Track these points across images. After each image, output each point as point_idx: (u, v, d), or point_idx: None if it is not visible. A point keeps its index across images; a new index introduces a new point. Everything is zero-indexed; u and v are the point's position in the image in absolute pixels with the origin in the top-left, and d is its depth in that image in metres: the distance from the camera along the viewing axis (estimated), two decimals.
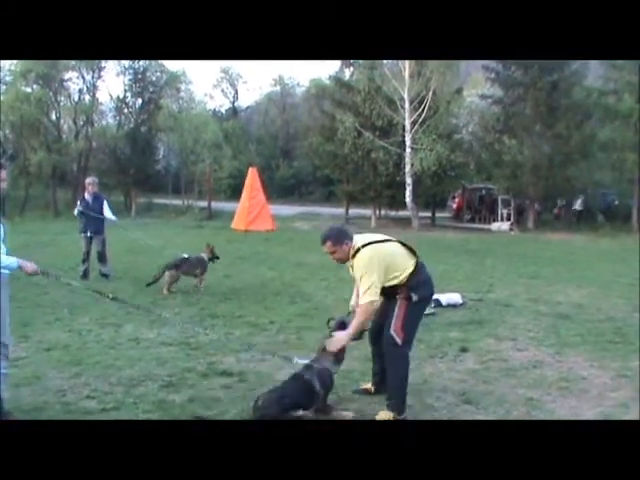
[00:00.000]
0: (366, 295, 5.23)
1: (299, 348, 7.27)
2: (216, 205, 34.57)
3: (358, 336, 5.59)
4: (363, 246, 5.39)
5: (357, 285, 5.52)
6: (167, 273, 11.24)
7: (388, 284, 5.38)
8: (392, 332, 5.35)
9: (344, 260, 5.52)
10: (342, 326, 5.63)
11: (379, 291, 5.30)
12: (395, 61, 30.54)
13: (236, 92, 65.53)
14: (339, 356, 5.60)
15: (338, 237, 5.46)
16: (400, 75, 29.44)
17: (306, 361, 5.67)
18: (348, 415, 5.44)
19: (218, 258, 11.91)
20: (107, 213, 12.90)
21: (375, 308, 5.41)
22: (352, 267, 5.48)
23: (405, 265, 5.44)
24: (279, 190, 49.93)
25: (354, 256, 5.40)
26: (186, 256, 11.58)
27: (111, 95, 43.54)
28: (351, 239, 5.46)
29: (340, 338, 5.42)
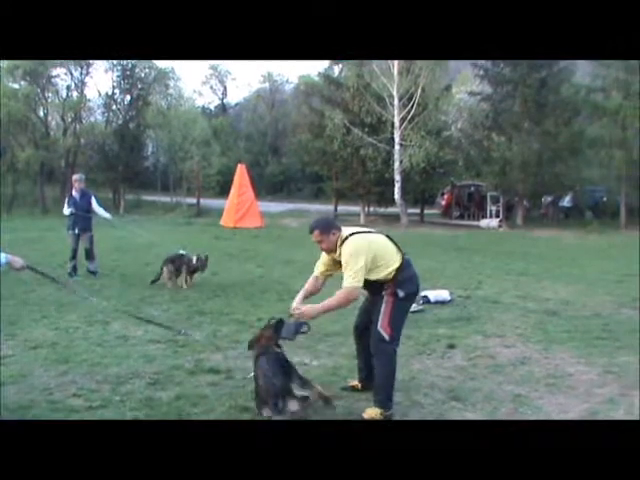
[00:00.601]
0: (351, 279, 5.22)
1: (288, 345, 7.25)
2: (205, 202, 34.53)
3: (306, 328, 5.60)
4: (351, 235, 5.43)
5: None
6: (164, 268, 11.54)
7: (374, 277, 5.38)
8: (379, 328, 5.36)
9: (331, 249, 5.51)
10: (280, 325, 5.57)
11: (363, 279, 5.30)
12: None
13: (225, 89, 65.52)
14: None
15: (326, 226, 5.52)
16: (389, 72, 29.44)
17: None
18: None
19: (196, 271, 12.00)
20: (99, 210, 12.88)
21: (355, 297, 5.38)
22: (339, 256, 5.46)
23: (392, 258, 5.45)
24: (268, 187, 49.88)
25: (341, 245, 5.41)
26: (183, 252, 11.81)
27: (99, 92, 43.50)
28: (339, 229, 5.50)
29: (308, 309, 5.43)
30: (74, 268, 12.63)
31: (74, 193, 12.83)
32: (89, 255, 12.76)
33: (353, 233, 5.46)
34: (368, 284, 5.43)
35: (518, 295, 11.07)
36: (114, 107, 41.01)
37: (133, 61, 39.38)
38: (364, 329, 5.66)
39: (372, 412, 5.36)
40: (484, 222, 30.94)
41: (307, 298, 5.71)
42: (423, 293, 9.80)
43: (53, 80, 40.00)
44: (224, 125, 46.42)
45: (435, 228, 29.14)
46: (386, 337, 5.35)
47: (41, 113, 40.74)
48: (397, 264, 5.44)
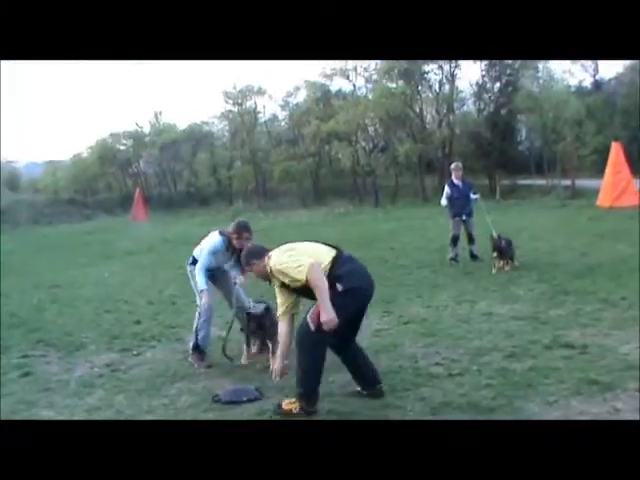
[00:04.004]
0: (300, 268, 5.14)
1: None
2: (580, 183, 33.54)
3: None
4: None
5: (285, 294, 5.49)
6: None
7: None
8: (308, 317, 5.21)
9: (264, 276, 5.59)
10: None
11: (309, 260, 5.18)
12: None
13: (597, 65, 62.47)
14: None
15: (246, 259, 5.71)
16: None
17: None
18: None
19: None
20: (475, 197, 13.48)
21: (320, 271, 5.15)
22: (272, 276, 5.45)
23: (321, 255, 5.33)
24: None
25: (269, 263, 5.44)
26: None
27: (470, 82, 44.50)
28: (259, 257, 5.57)
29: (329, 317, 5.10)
30: (457, 255, 13.31)
31: (455, 181, 13.50)
32: (472, 239, 13.38)
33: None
34: (304, 288, 5.22)
35: None
36: (485, 95, 41.75)
37: None
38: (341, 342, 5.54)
39: (289, 404, 5.34)
40: None
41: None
42: None
43: (426, 76, 41.99)
44: (598, 102, 44.54)
45: None
46: (312, 327, 5.16)
47: (417, 108, 43.03)
48: (327, 261, 5.24)
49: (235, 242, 7.05)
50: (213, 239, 7.20)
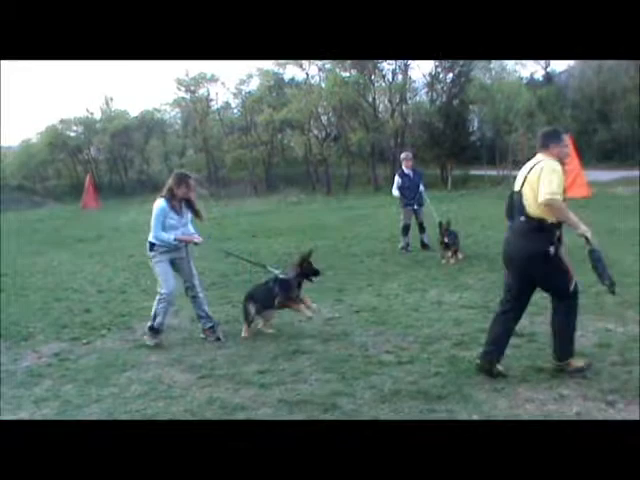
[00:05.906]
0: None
1: (594, 311, 7.37)
2: None
3: None
4: None
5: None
6: None
7: None
8: None
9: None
10: None
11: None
12: None
13: None
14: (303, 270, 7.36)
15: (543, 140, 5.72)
16: None
17: (277, 271, 7.54)
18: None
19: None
20: (422, 188, 13.52)
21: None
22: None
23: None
24: (598, 155, 47.36)
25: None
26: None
27: (423, 73, 44.84)
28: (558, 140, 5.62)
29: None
30: (408, 244, 13.41)
31: (406, 170, 13.55)
32: (423, 229, 13.46)
33: None
34: None
35: None
36: (437, 86, 42.07)
37: None
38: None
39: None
40: None
41: None
42: None
43: (379, 66, 42.08)
44: (549, 95, 45.17)
45: None
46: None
47: (370, 98, 43.17)
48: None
49: (181, 193, 7.34)
50: (156, 204, 7.40)
